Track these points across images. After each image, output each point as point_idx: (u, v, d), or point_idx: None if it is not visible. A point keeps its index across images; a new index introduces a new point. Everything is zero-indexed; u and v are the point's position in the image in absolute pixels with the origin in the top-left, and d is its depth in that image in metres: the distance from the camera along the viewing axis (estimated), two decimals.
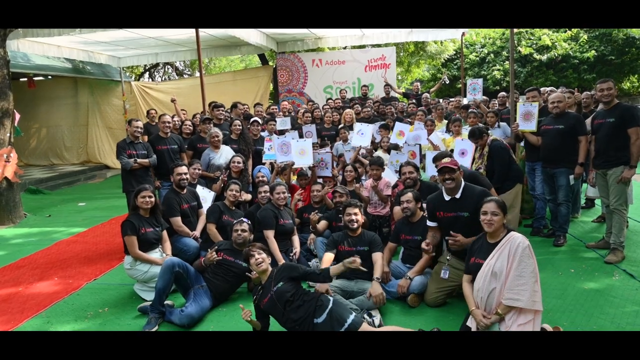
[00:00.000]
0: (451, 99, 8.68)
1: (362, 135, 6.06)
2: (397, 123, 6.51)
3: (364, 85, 9.84)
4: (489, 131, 5.28)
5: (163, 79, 20.46)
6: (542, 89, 6.08)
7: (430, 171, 5.10)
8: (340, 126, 7.26)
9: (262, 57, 13.58)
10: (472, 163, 5.12)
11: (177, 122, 6.70)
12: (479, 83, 7.70)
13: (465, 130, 5.77)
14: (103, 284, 4.39)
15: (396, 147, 5.95)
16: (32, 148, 13.22)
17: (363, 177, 5.73)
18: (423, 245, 3.63)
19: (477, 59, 15.32)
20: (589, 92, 5.90)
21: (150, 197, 4.07)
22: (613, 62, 13.74)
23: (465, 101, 7.63)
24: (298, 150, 5.54)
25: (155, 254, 4.08)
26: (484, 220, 2.97)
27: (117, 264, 4.91)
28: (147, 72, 19.59)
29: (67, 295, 4.14)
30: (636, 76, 14.79)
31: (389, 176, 5.27)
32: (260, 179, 5.35)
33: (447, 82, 10.30)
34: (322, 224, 4.67)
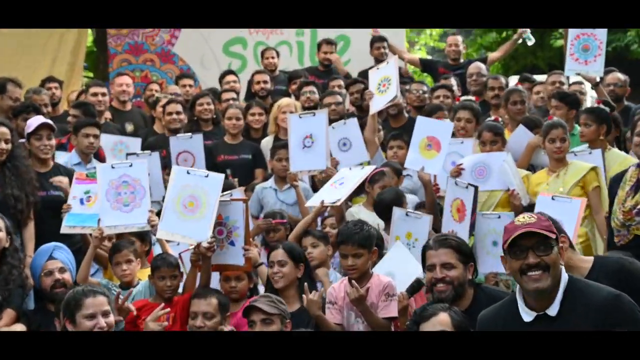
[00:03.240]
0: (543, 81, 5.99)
1: (341, 185, 4.50)
2: (419, 117, 4.75)
3: (326, 42, 6.60)
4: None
5: None
6: None
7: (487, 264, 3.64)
8: (266, 139, 5.26)
9: None
10: (615, 196, 3.79)
11: None
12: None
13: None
14: None
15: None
16: None
17: (333, 266, 4.09)
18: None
19: None
20: None
21: None
22: None
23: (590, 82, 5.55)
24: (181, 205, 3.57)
25: None
26: None
27: None
28: None
29: None
30: None
31: (400, 269, 3.66)
32: (58, 276, 3.62)
33: (533, 40, 7.12)
34: None
